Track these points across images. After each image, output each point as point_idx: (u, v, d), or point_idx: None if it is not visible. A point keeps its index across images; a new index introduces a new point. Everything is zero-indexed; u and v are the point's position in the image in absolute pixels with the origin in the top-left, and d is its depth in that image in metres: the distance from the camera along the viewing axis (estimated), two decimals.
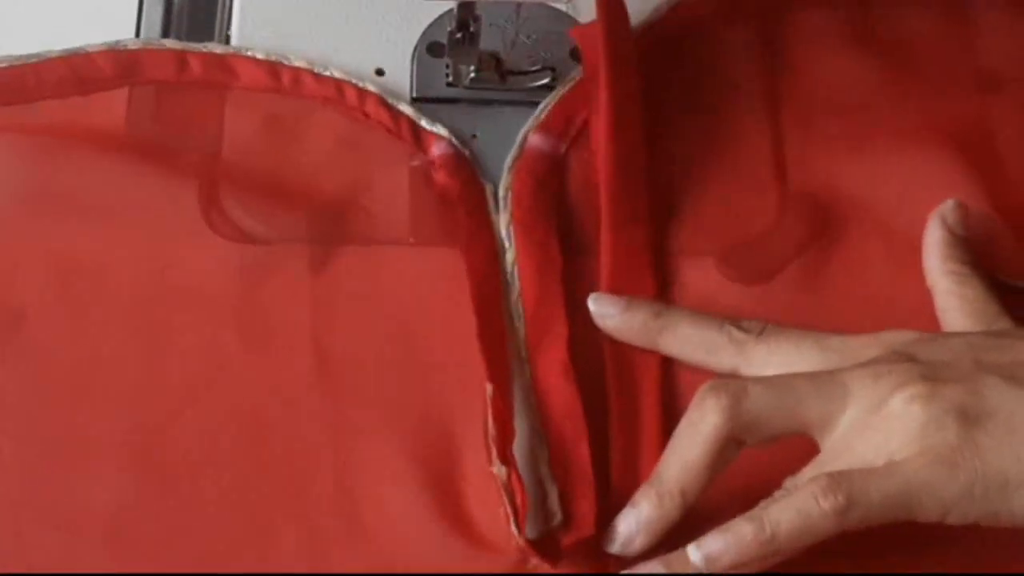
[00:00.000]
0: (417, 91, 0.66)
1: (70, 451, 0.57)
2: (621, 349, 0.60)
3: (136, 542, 0.56)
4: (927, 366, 0.53)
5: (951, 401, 0.52)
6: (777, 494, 0.53)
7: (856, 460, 0.52)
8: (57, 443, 0.57)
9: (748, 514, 0.52)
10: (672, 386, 0.60)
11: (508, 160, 0.64)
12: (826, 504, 0.51)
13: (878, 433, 0.52)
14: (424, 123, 0.64)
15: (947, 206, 0.62)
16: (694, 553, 0.52)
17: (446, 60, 0.66)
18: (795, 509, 0.51)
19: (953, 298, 0.60)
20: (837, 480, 0.51)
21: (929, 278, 0.61)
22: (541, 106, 0.65)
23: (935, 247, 0.61)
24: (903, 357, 0.54)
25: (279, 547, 0.56)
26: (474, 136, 0.65)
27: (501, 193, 0.63)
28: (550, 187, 0.63)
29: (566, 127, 0.64)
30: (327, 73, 0.65)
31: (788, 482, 0.53)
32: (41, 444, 0.57)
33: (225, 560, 0.56)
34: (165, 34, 0.67)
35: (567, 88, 0.65)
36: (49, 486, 0.57)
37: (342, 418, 0.58)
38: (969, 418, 0.52)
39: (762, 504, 0.52)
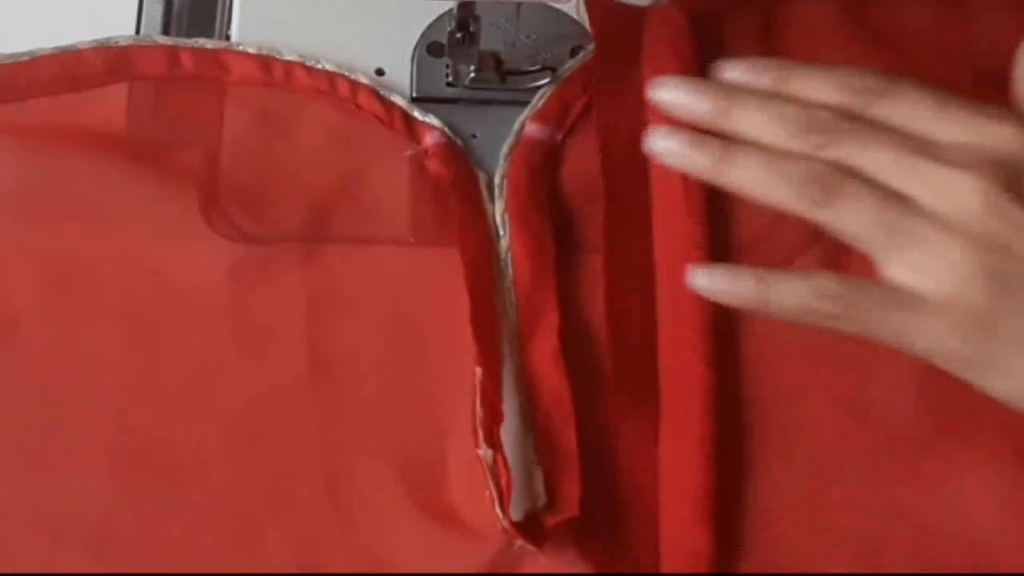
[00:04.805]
0: (417, 91, 0.66)
1: (62, 454, 0.57)
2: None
3: (125, 545, 0.56)
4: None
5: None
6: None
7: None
8: (48, 446, 0.58)
9: (761, 273, 0.51)
10: None
11: (504, 149, 0.63)
12: (823, 308, 0.50)
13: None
14: (417, 114, 0.64)
15: None
16: (701, 276, 0.52)
17: (446, 60, 0.66)
18: (798, 297, 0.50)
19: None
20: (842, 292, 0.50)
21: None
22: (538, 95, 0.64)
23: None
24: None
25: (268, 549, 0.56)
26: (474, 136, 0.65)
27: (496, 181, 0.63)
28: (545, 176, 0.63)
29: (563, 116, 0.64)
30: (319, 66, 0.65)
31: None
32: (33, 447, 0.58)
33: (213, 562, 0.56)
34: (165, 33, 0.67)
35: (564, 77, 0.65)
36: (39, 489, 0.57)
37: (334, 418, 0.58)
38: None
39: (779, 273, 0.51)
